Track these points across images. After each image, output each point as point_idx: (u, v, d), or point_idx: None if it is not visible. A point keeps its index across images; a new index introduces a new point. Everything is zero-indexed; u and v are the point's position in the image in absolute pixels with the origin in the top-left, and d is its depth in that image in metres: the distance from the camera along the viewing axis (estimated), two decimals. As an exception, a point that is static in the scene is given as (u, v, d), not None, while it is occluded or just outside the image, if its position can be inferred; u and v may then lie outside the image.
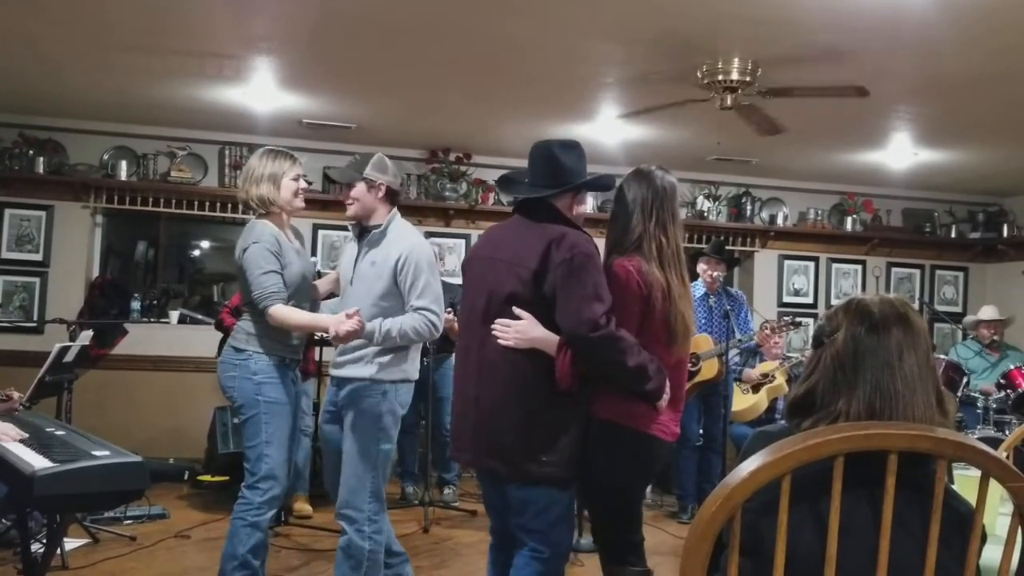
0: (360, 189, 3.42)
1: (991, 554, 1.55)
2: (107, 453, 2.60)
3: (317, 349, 5.99)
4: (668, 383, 2.78)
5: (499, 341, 2.71)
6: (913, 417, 1.56)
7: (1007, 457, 2.54)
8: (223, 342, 5.76)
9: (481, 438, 2.79)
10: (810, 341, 1.79)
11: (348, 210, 3.48)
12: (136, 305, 7.14)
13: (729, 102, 4.73)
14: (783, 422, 1.73)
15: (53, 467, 2.44)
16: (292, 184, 3.52)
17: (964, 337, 7.86)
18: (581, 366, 2.67)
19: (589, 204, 2.97)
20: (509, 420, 2.71)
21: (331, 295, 4.06)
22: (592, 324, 2.59)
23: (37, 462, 2.48)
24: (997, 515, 2.11)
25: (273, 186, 3.47)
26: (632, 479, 2.85)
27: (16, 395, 4.14)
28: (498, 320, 2.74)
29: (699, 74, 4.78)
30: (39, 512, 3.68)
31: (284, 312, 3.33)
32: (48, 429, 3.02)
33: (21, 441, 2.73)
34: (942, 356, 6.66)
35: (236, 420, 6.68)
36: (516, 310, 2.71)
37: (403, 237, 3.42)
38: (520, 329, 2.70)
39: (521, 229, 2.82)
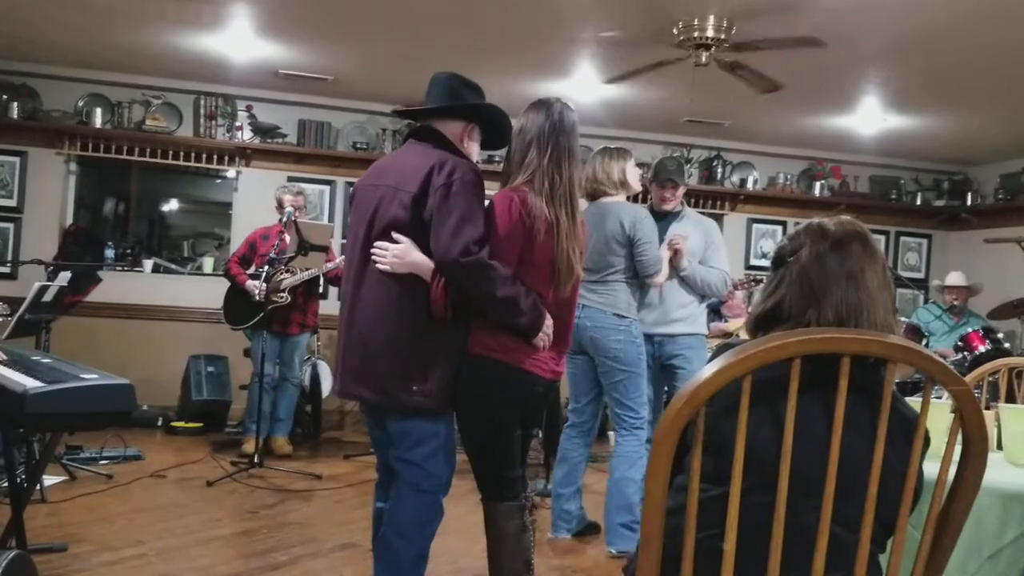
0: (681, 191, 4.51)
1: (932, 469, 1.67)
2: (95, 376, 2.67)
3: (321, 303, 6.08)
4: (552, 323, 2.71)
5: (377, 265, 2.66)
6: (875, 325, 1.68)
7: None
8: (230, 291, 5.84)
9: (353, 365, 2.72)
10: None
11: (668, 204, 4.47)
12: (110, 254, 7.14)
13: (704, 59, 4.82)
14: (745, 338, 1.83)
15: (44, 386, 2.50)
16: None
17: (926, 300, 8.06)
18: (452, 293, 2.62)
19: (476, 150, 2.87)
20: (381, 346, 2.65)
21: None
22: (463, 249, 2.52)
23: (28, 382, 2.53)
24: (944, 438, 2.22)
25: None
26: (502, 414, 2.74)
27: None
28: (376, 244, 2.67)
29: (675, 31, 4.86)
30: (29, 430, 3.73)
31: (661, 278, 4.12)
32: (34, 358, 3.07)
33: (6, 365, 2.79)
34: (903, 319, 6.81)
35: (211, 369, 6.77)
36: (395, 235, 2.64)
37: (699, 217, 4.60)
38: (397, 253, 2.63)
39: (408, 156, 2.77)
